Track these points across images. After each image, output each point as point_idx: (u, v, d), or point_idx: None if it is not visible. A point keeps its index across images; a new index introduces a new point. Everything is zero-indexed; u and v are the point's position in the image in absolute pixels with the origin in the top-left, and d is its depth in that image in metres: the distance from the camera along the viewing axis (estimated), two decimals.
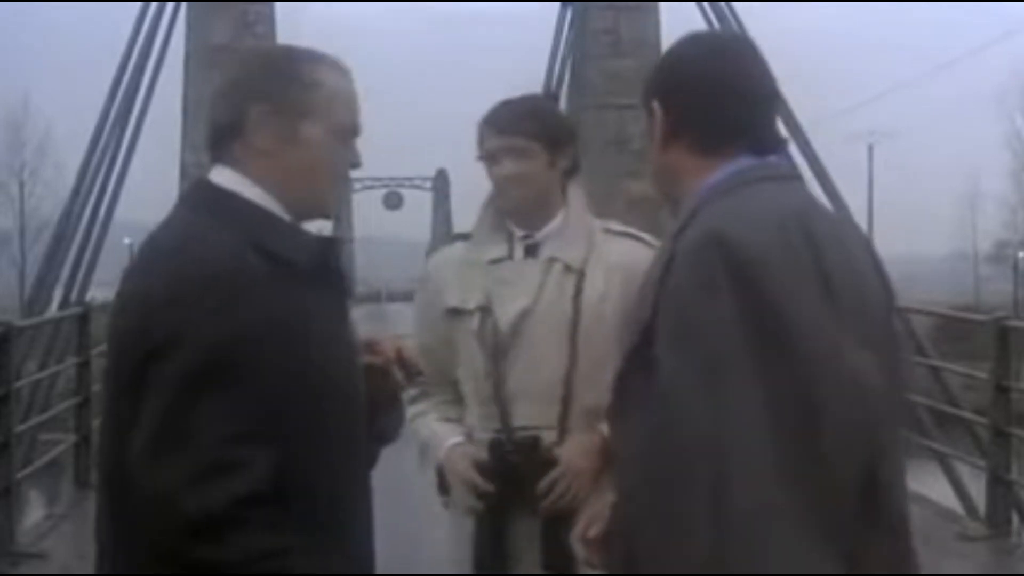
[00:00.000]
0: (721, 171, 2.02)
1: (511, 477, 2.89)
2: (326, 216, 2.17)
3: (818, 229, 1.94)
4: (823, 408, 1.84)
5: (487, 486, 2.90)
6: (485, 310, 2.95)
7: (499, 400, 2.93)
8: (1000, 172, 55.89)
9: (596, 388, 2.55)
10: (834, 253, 1.93)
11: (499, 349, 2.92)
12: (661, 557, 1.84)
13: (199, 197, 2.10)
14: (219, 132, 2.09)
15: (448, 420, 3.06)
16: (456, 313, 2.98)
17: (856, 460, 1.90)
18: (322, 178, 2.10)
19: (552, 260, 2.95)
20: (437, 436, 3.02)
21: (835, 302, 1.90)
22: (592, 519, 2.25)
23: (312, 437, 1.97)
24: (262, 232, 2.01)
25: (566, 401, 2.91)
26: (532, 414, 2.92)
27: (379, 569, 2.19)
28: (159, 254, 2.01)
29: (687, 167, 2.06)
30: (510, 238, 3.00)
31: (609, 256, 2.95)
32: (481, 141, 3.01)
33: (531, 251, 2.99)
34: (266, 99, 2.05)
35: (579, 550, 2.28)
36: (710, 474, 1.80)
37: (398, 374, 2.17)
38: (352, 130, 2.12)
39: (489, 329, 2.93)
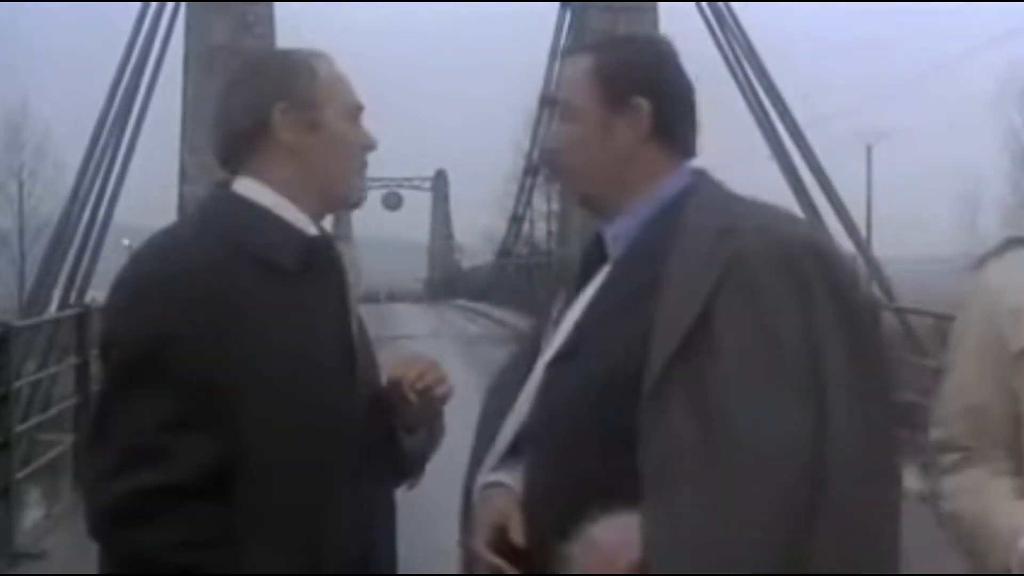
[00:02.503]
0: (682, 172, 2.04)
1: None
2: (351, 203, 2.29)
3: None
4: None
5: None
6: None
7: None
8: (999, 173, 55.96)
9: None
10: None
11: None
12: (741, 554, 1.77)
13: (206, 203, 2.19)
14: (239, 139, 2.15)
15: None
16: None
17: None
18: (345, 160, 2.19)
19: None
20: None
21: None
22: (515, 522, 1.95)
23: (266, 430, 2.02)
24: (248, 235, 2.08)
25: None
26: None
27: (401, 569, 2.18)
28: (129, 261, 2.16)
29: (659, 166, 2.04)
30: None
31: None
32: None
33: None
34: (284, 96, 2.14)
35: (487, 556, 1.95)
36: (807, 473, 1.79)
37: (411, 396, 2.11)
38: (358, 108, 2.22)
39: None
